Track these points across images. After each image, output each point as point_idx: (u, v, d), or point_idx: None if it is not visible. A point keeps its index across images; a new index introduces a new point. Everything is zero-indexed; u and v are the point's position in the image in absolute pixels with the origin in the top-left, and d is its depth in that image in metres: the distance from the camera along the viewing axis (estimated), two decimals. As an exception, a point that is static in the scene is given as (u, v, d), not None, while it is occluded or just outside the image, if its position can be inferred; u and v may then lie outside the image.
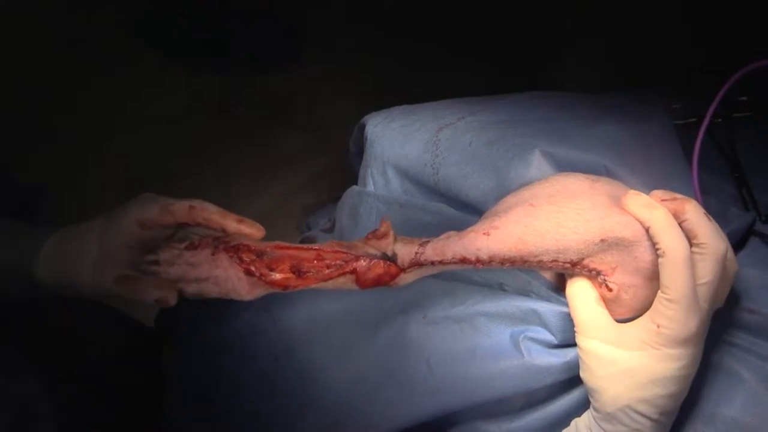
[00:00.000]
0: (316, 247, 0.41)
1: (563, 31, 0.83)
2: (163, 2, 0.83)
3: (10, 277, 0.43)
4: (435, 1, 0.84)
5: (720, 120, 0.58)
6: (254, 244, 0.42)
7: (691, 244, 0.36)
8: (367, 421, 0.48)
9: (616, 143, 0.49)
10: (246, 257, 0.41)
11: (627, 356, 0.37)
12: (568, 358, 0.43)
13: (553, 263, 0.40)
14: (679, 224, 0.37)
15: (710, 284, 0.36)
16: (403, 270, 0.41)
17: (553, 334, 0.45)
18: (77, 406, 0.47)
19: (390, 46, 0.87)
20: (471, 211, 0.49)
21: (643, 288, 0.39)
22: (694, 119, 0.58)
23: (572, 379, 0.44)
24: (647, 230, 0.37)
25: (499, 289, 0.49)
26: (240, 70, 0.92)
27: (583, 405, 0.43)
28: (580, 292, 0.40)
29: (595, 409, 0.40)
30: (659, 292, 0.37)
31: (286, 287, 0.41)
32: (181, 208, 0.43)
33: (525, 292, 0.47)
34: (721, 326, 0.44)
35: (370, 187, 0.57)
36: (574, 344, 0.42)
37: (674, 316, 0.36)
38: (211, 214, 0.43)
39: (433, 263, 0.40)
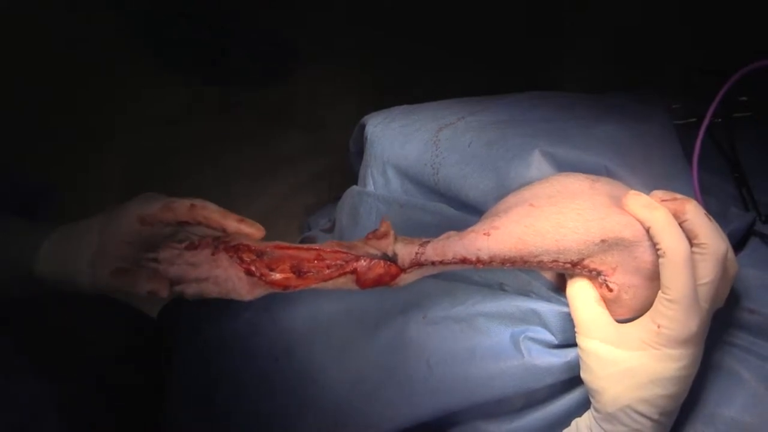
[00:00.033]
0: (317, 247, 0.41)
1: (563, 31, 0.83)
2: (162, 3, 0.83)
3: (10, 273, 0.43)
4: (435, 1, 0.84)
5: (720, 120, 0.58)
6: (254, 244, 0.42)
7: (691, 245, 0.36)
8: (367, 421, 0.48)
9: (616, 143, 0.49)
10: (246, 257, 0.41)
11: (627, 356, 0.37)
12: (568, 358, 0.43)
13: (554, 263, 0.40)
14: (680, 224, 0.37)
15: (711, 284, 0.36)
16: (403, 270, 0.41)
17: (553, 334, 0.45)
18: (77, 406, 0.47)
19: (390, 46, 0.87)
20: (471, 211, 0.49)
21: (643, 288, 0.39)
22: (694, 119, 0.58)
23: (572, 380, 0.44)
24: (648, 230, 0.37)
25: (499, 289, 0.49)
26: (238, 79, 0.92)
27: (584, 405, 0.43)
28: (581, 292, 0.40)
29: (596, 410, 0.40)
30: (660, 292, 0.37)
31: (286, 287, 0.41)
32: (182, 206, 0.43)
33: (525, 292, 0.47)
34: (721, 326, 0.44)
35: (370, 187, 0.57)
36: (574, 344, 0.42)
37: (675, 316, 0.36)
38: (212, 213, 0.43)
39: (433, 263, 0.40)
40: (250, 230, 0.43)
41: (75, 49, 0.79)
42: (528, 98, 0.58)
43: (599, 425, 0.40)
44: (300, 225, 0.90)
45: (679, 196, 0.39)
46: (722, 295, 0.39)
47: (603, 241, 0.38)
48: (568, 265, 0.40)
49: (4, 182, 0.59)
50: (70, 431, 0.45)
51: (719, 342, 0.44)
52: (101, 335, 0.56)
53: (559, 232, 0.39)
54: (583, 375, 0.40)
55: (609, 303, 0.40)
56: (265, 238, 0.43)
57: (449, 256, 0.40)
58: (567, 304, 0.42)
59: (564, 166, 0.47)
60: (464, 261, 0.40)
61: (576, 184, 0.43)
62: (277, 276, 0.41)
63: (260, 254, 0.41)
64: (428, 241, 0.41)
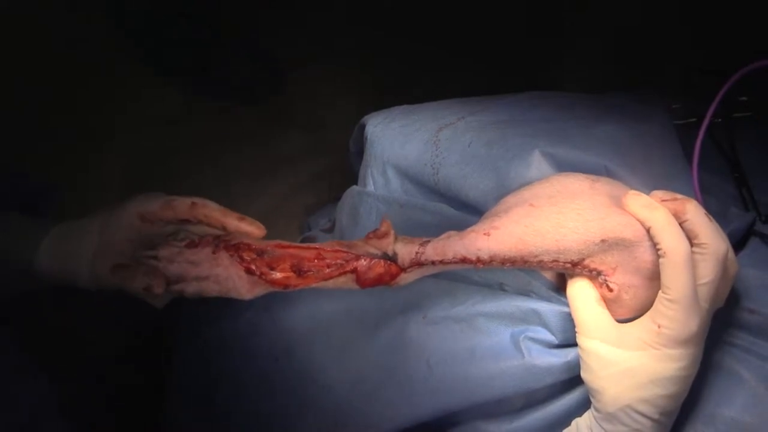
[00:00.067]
0: (317, 246, 0.41)
1: (563, 31, 0.83)
2: (162, 3, 0.83)
3: (10, 268, 0.44)
4: (435, 1, 0.84)
5: (720, 120, 0.58)
6: (255, 242, 0.42)
7: (691, 245, 0.36)
8: (367, 421, 0.48)
9: (616, 143, 0.49)
10: (246, 256, 0.41)
11: (627, 356, 0.37)
12: (568, 358, 0.43)
13: (554, 263, 0.40)
14: (680, 224, 0.37)
15: (711, 284, 0.36)
16: (403, 269, 0.41)
17: (553, 334, 0.45)
18: (77, 406, 0.47)
19: (390, 46, 0.87)
20: (471, 211, 0.49)
21: (643, 288, 0.39)
22: (694, 119, 0.58)
23: (573, 379, 0.44)
24: (648, 230, 0.37)
25: (499, 289, 0.49)
26: (224, 95, 0.93)
27: (584, 405, 0.43)
28: (581, 292, 0.40)
29: (596, 409, 0.40)
30: (660, 292, 0.37)
31: (286, 286, 0.41)
32: (183, 204, 0.43)
33: (525, 292, 0.47)
34: (721, 326, 0.44)
35: (370, 187, 0.57)
36: (574, 344, 0.42)
37: (675, 316, 0.36)
38: (213, 211, 0.43)
39: (433, 263, 0.40)
40: (250, 229, 0.43)
41: (75, 49, 0.79)
42: (528, 98, 0.58)
43: (599, 425, 0.40)
44: (300, 225, 0.90)
45: (679, 196, 0.39)
46: (722, 295, 0.39)
47: (603, 241, 0.38)
48: (569, 265, 0.40)
49: (4, 182, 0.59)
50: (70, 431, 0.45)
51: (719, 342, 0.44)
52: (101, 335, 0.56)
53: (559, 232, 0.39)
54: (583, 375, 0.40)
55: (609, 303, 0.40)
56: (265, 239, 0.43)
57: (449, 255, 0.40)
58: (567, 304, 0.42)
59: (564, 166, 0.47)
60: (464, 261, 0.40)
61: (576, 184, 0.43)
62: (277, 275, 0.41)
63: (261, 253, 0.41)
64: (428, 241, 0.41)
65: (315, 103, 0.93)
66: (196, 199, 0.43)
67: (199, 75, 0.90)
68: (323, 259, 0.41)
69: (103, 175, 0.84)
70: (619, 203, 0.40)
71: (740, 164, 0.55)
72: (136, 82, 0.87)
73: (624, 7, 0.75)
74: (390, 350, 0.49)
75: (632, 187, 0.43)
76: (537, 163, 0.47)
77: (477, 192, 0.49)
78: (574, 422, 0.43)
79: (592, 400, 0.40)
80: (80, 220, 0.45)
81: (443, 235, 0.41)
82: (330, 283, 0.41)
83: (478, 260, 0.40)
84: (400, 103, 0.61)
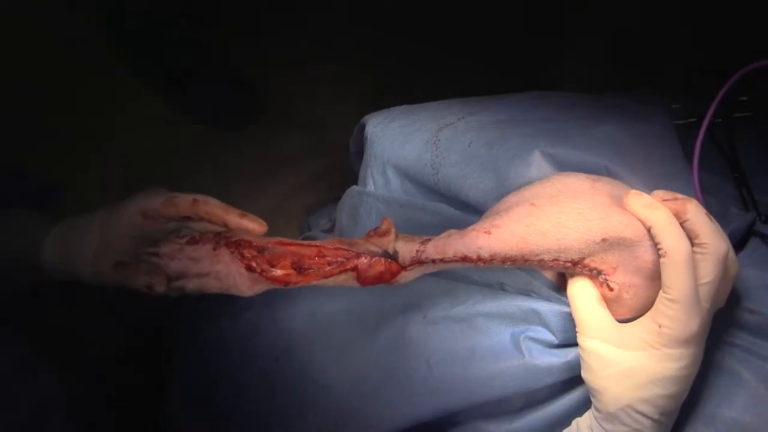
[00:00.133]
0: (318, 244, 0.41)
1: (563, 31, 0.83)
2: (161, 3, 0.83)
3: (14, 264, 0.44)
4: (435, 1, 0.84)
5: (720, 120, 0.58)
6: (256, 240, 0.42)
7: (692, 244, 0.36)
8: (367, 421, 0.48)
9: (616, 143, 0.49)
10: (247, 253, 0.41)
11: (628, 356, 0.37)
12: (568, 358, 0.43)
13: (554, 262, 0.40)
14: (681, 224, 0.37)
15: (712, 284, 0.36)
16: (404, 268, 0.41)
17: (553, 333, 0.45)
18: (77, 406, 0.47)
19: (390, 46, 0.87)
20: (471, 211, 0.49)
21: (644, 288, 0.39)
22: (694, 119, 0.58)
23: (573, 379, 0.44)
24: (649, 230, 0.37)
25: (499, 288, 0.49)
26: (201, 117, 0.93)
27: (584, 405, 0.43)
28: (582, 291, 0.40)
29: (597, 409, 0.40)
30: (661, 291, 0.37)
31: (287, 283, 0.41)
32: (185, 201, 0.43)
33: (526, 292, 0.47)
34: (721, 326, 0.44)
35: (370, 187, 0.57)
36: (574, 344, 0.42)
37: (675, 315, 0.36)
38: (214, 208, 0.43)
39: (434, 261, 0.40)
40: (252, 225, 0.43)
41: (75, 49, 0.79)
42: (528, 98, 0.58)
43: (600, 425, 0.39)
44: (300, 225, 0.90)
45: (680, 195, 0.39)
46: (723, 294, 0.39)
47: (604, 240, 0.38)
48: (569, 264, 0.40)
49: (7, 181, 0.59)
50: (70, 431, 0.45)
51: (720, 342, 0.44)
52: (101, 335, 0.56)
53: (560, 231, 0.39)
54: (583, 375, 0.40)
55: (610, 302, 0.40)
56: (266, 237, 0.43)
57: (450, 254, 0.40)
58: (567, 304, 0.42)
59: (564, 166, 0.47)
60: (465, 259, 0.40)
61: (577, 183, 0.43)
62: (277, 272, 0.41)
63: (261, 250, 0.41)
64: (429, 239, 0.41)
65: (315, 103, 0.93)
66: (198, 196, 0.43)
67: (180, 95, 0.90)
68: (324, 256, 0.41)
69: (103, 175, 0.84)
70: (619, 203, 0.40)
71: (740, 164, 0.55)
72: (136, 82, 0.87)
73: (624, 7, 0.75)
74: (390, 350, 0.49)
75: (633, 187, 0.43)
76: (537, 163, 0.47)
77: (477, 192, 0.49)
78: (574, 422, 0.43)
79: (592, 400, 0.40)
80: (82, 218, 0.45)
81: (444, 234, 0.41)
82: (330, 281, 0.41)
83: (479, 259, 0.40)
84: (400, 103, 0.61)
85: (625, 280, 0.39)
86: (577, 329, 0.41)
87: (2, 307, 0.47)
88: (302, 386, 0.51)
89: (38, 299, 0.50)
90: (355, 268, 0.40)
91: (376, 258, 0.40)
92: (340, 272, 0.41)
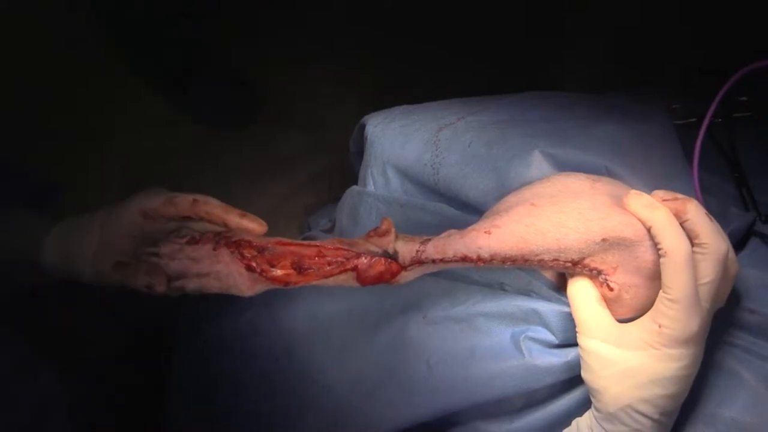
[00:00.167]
0: (318, 244, 0.41)
1: (563, 31, 0.83)
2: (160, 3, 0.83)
3: (16, 261, 0.44)
4: (435, 1, 0.84)
5: (720, 120, 0.58)
6: (256, 239, 0.42)
7: (692, 244, 0.36)
8: (367, 421, 0.48)
9: (616, 143, 0.49)
10: (247, 253, 0.41)
11: (628, 356, 0.37)
12: (568, 358, 0.43)
13: (554, 262, 0.40)
14: (681, 224, 0.37)
15: (712, 284, 0.36)
16: (404, 267, 0.41)
17: (553, 333, 0.45)
18: (77, 406, 0.47)
19: (390, 46, 0.87)
20: (471, 211, 0.49)
21: (644, 288, 0.39)
22: (694, 119, 0.58)
23: (573, 379, 0.44)
24: (649, 230, 0.37)
25: (499, 288, 0.49)
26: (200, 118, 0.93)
27: (584, 405, 0.43)
28: (582, 291, 0.40)
29: (597, 409, 0.40)
30: (661, 291, 0.37)
31: (287, 283, 0.41)
32: (185, 201, 0.43)
33: (526, 292, 0.47)
34: (721, 326, 0.44)
35: (370, 187, 0.57)
36: (574, 344, 0.42)
37: (676, 315, 0.36)
38: (214, 208, 0.43)
39: (434, 261, 0.40)
40: (252, 225, 0.43)
41: (75, 49, 0.79)
42: (528, 98, 0.58)
43: (600, 425, 0.39)
44: (300, 225, 0.90)
45: (680, 195, 0.39)
46: (723, 294, 0.39)
47: (604, 240, 0.38)
48: (569, 264, 0.40)
49: (7, 181, 0.60)
50: (70, 431, 0.45)
51: (720, 342, 0.44)
52: (101, 335, 0.56)
53: (561, 231, 0.39)
54: (584, 375, 0.40)
55: (610, 302, 0.40)
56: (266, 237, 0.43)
57: (450, 254, 0.40)
58: (568, 304, 0.42)
59: (564, 166, 0.47)
60: (465, 259, 0.40)
61: (577, 183, 0.43)
62: (277, 272, 0.41)
63: (261, 250, 0.41)
64: (429, 239, 0.41)
65: (315, 103, 0.93)
66: (198, 196, 0.43)
67: (180, 96, 0.90)
68: (324, 256, 0.41)
69: (103, 175, 0.84)
70: (619, 203, 0.40)
71: (740, 164, 0.55)
72: (136, 82, 0.87)
73: (624, 7, 0.75)
74: (390, 350, 0.49)
75: (633, 187, 0.43)
76: (537, 163, 0.47)
77: (477, 192, 0.49)
78: (574, 422, 0.43)
79: (592, 400, 0.40)
80: (82, 218, 0.45)
81: (444, 234, 0.41)
82: (330, 281, 0.41)
83: (479, 259, 0.40)
84: (400, 103, 0.61)
85: (625, 280, 0.39)
86: (577, 329, 0.41)
87: (2, 307, 0.47)
88: (302, 386, 0.51)
89: (38, 299, 0.50)
90: (355, 268, 0.40)
91: (376, 258, 0.40)
92: (340, 272, 0.41)
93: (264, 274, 0.41)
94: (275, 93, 0.94)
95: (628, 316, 0.40)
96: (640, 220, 0.38)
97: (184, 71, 0.89)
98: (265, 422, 0.51)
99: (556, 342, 0.45)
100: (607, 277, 0.39)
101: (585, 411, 0.42)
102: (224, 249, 0.41)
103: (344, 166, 0.73)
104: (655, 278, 0.38)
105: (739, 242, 0.49)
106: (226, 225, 0.43)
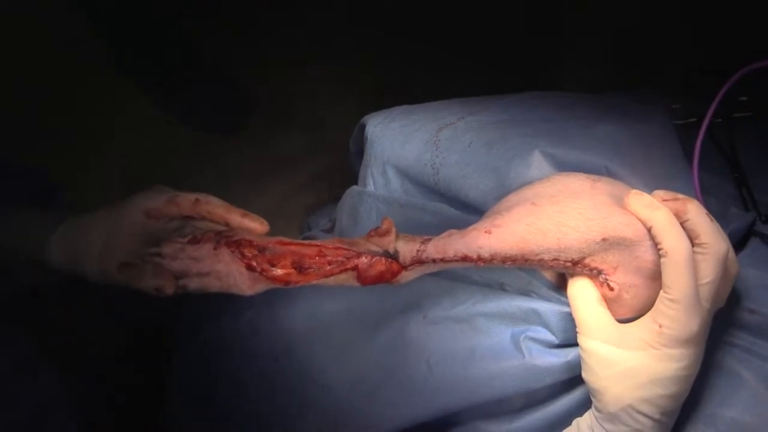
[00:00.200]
0: (318, 244, 0.41)
1: (563, 31, 0.83)
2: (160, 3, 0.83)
3: (21, 258, 0.44)
4: (435, 1, 0.84)
5: (720, 120, 0.58)
6: (256, 239, 0.42)
7: (692, 244, 0.36)
8: (367, 421, 0.48)
9: (616, 143, 0.49)
10: (248, 252, 0.41)
11: (628, 356, 0.37)
12: (568, 358, 0.43)
13: (555, 262, 0.40)
14: (681, 224, 0.37)
15: (712, 284, 0.36)
16: (404, 267, 0.41)
17: (554, 333, 0.45)
18: (77, 406, 0.47)
19: (390, 46, 0.87)
20: (471, 211, 0.49)
21: (644, 288, 0.39)
22: (694, 119, 0.58)
23: (573, 379, 0.44)
24: (649, 230, 0.37)
25: (499, 288, 0.49)
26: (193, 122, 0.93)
27: (584, 405, 0.43)
28: (582, 291, 0.40)
29: (597, 409, 0.40)
30: (661, 291, 0.37)
31: (287, 283, 0.41)
32: (186, 201, 0.43)
33: (526, 292, 0.47)
34: (721, 326, 0.44)
35: (370, 187, 0.57)
36: (575, 344, 0.42)
37: (676, 315, 0.36)
38: (216, 207, 0.43)
39: (434, 261, 0.40)
40: (253, 225, 0.43)
41: (75, 49, 0.79)
42: (528, 98, 0.58)
43: (600, 425, 0.40)
44: (300, 225, 0.90)
45: (680, 195, 0.39)
46: (723, 294, 0.39)
47: (604, 240, 0.38)
48: (569, 264, 0.40)
49: (12, 179, 0.60)
50: (70, 431, 0.45)
51: (720, 342, 0.44)
52: (101, 335, 0.56)
53: (561, 231, 0.39)
54: (584, 375, 0.40)
55: (610, 302, 0.40)
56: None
57: (450, 253, 0.40)
58: (568, 304, 0.42)
59: (564, 166, 0.47)
60: (465, 259, 0.40)
61: (577, 183, 0.43)
62: (278, 271, 0.41)
63: (262, 249, 0.41)
64: (430, 239, 0.41)
65: (315, 103, 0.93)
66: (200, 196, 0.43)
67: (170, 98, 0.90)
68: (324, 256, 0.41)
69: (103, 175, 0.84)
70: (620, 203, 0.40)
71: (740, 164, 0.55)
72: (132, 83, 0.87)
73: (624, 7, 0.75)
74: (390, 350, 0.49)
75: (633, 187, 0.42)
76: (537, 163, 0.47)
77: (477, 192, 0.49)
78: (575, 422, 0.43)
79: (593, 400, 0.40)
80: (84, 217, 0.45)
81: (444, 233, 0.42)
82: (331, 280, 0.41)
83: (479, 258, 0.40)
84: (400, 103, 0.61)
85: (626, 280, 0.39)
86: (577, 329, 0.41)
87: (3, 306, 0.47)
88: (302, 386, 0.51)
89: (38, 299, 0.50)
90: (355, 268, 0.40)
91: (377, 257, 0.40)
92: (341, 272, 0.41)
93: (264, 273, 0.41)
94: (275, 93, 0.94)
95: (628, 316, 0.40)
96: (640, 220, 0.38)
97: (184, 72, 0.88)
98: (265, 422, 0.51)
99: (556, 342, 0.45)
100: (608, 277, 0.39)
101: (585, 411, 0.42)
102: (225, 248, 0.41)
103: (344, 166, 0.73)
104: (655, 278, 0.38)
105: (739, 242, 0.49)
106: (227, 224, 0.43)
